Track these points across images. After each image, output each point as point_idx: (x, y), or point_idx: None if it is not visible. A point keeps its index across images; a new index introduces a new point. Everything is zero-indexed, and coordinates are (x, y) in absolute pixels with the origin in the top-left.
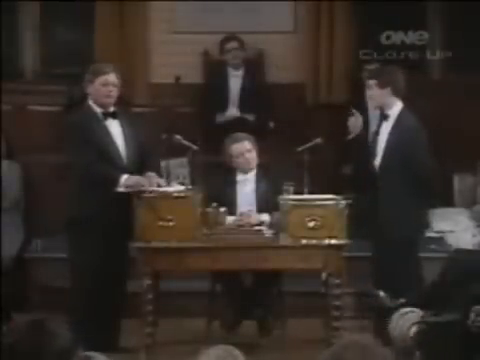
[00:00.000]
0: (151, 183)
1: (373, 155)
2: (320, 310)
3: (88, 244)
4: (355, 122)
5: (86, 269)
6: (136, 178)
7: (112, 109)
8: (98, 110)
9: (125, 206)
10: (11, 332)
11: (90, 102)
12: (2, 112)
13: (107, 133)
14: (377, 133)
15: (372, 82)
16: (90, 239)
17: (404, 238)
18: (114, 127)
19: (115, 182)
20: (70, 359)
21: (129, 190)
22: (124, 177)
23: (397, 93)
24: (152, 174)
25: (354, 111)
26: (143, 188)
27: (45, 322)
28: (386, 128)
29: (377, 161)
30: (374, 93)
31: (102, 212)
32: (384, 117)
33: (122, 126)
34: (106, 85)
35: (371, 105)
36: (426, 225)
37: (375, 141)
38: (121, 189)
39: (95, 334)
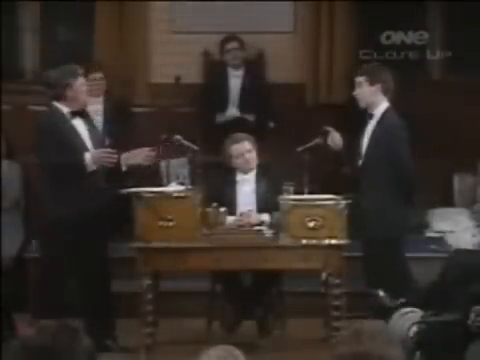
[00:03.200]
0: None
1: (359, 155)
2: (320, 310)
3: (62, 245)
4: (333, 139)
5: (59, 270)
6: (99, 150)
7: (79, 108)
8: (65, 110)
9: (103, 204)
10: (41, 333)
11: (55, 103)
12: (2, 112)
13: (75, 132)
14: (362, 134)
15: (361, 79)
16: (64, 240)
17: (386, 237)
18: (81, 126)
19: (81, 162)
20: (94, 358)
21: (100, 163)
22: (87, 155)
23: (385, 92)
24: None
25: (329, 129)
26: (111, 158)
27: (71, 323)
28: (370, 127)
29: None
30: (363, 90)
31: (76, 212)
32: (369, 116)
33: (89, 124)
34: (84, 86)
35: (360, 103)
36: (409, 224)
37: (361, 142)
38: (93, 167)
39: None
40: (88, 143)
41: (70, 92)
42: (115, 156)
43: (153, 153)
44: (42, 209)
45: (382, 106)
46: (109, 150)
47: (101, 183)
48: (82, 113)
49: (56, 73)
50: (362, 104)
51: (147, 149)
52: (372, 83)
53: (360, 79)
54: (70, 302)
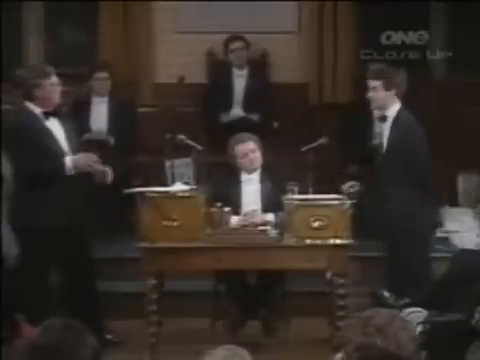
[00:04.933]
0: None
1: (379, 157)
2: (324, 310)
3: (41, 249)
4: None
5: (39, 274)
6: (80, 155)
7: (51, 109)
8: (38, 111)
9: (81, 206)
10: (47, 333)
11: (27, 103)
12: (6, 112)
13: (49, 133)
14: (381, 136)
15: (377, 83)
16: (42, 243)
17: (412, 236)
18: (55, 126)
19: (62, 168)
20: (99, 357)
21: (81, 169)
22: (68, 159)
23: (399, 94)
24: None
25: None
26: (92, 164)
27: (75, 323)
28: (386, 129)
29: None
30: (378, 94)
31: (53, 215)
32: (383, 119)
33: (63, 124)
34: (55, 85)
35: (373, 106)
36: (435, 223)
37: (381, 143)
38: (72, 171)
39: None
40: (64, 145)
41: (40, 92)
42: (96, 160)
43: (96, 160)
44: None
45: (395, 107)
46: (89, 155)
47: (85, 183)
48: (56, 113)
49: (25, 73)
50: (375, 106)
51: (92, 156)
52: (388, 88)
53: (376, 83)
54: (54, 304)
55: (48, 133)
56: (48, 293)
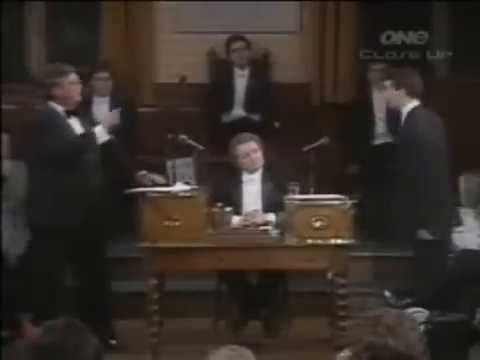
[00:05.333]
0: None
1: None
2: (326, 310)
3: (58, 248)
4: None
5: (56, 273)
6: (106, 115)
7: (72, 107)
8: (60, 109)
9: (99, 205)
10: (49, 333)
11: (50, 103)
12: (9, 112)
13: (72, 130)
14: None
15: (388, 83)
16: (62, 242)
17: (438, 237)
18: (76, 125)
19: (93, 137)
20: (101, 356)
21: (111, 124)
22: (97, 128)
23: (412, 94)
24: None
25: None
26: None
27: (78, 322)
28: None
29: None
30: (390, 94)
31: (75, 214)
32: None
33: (84, 124)
34: (74, 83)
35: (388, 105)
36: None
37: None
38: (105, 137)
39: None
40: None
41: (59, 91)
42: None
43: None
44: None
45: (409, 106)
46: (112, 113)
47: (101, 181)
48: (77, 113)
49: (44, 72)
50: (390, 105)
51: (114, 112)
52: (397, 87)
53: (387, 83)
54: (66, 304)
55: (71, 129)
56: (63, 293)
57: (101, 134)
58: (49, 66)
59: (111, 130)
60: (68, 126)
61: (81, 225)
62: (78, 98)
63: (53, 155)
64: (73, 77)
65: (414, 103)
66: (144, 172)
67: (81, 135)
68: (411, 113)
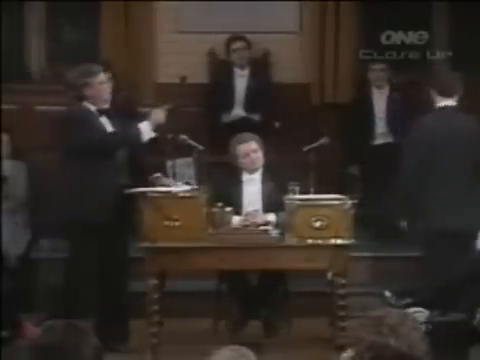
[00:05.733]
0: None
1: None
2: (326, 310)
3: (90, 245)
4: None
5: (88, 270)
6: (154, 112)
7: (105, 106)
8: (93, 108)
9: (124, 205)
10: (49, 333)
11: (84, 103)
12: (9, 112)
13: (104, 129)
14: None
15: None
16: (93, 240)
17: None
18: (107, 124)
19: (137, 132)
20: (101, 357)
21: (154, 123)
22: (142, 124)
23: (443, 93)
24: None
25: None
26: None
27: (78, 323)
28: None
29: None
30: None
31: (105, 212)
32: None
33: (114, 124)
34: (103, 83)
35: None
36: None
37: None
38: (150, 134)
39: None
40: None
41: (89, 91)
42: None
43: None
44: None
45: (440, 104)
46: (160, 110)
47: (128, 181)
48: (107, 112)
49: (73, 74)
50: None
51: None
52: (432, 86)
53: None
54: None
55: (103, 129)
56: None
57: (146, 130)
58: (78, 67)
59: (155, 128)
60: (101, 125)
61: (107, 223)
62: (108, 97)
63: (97, 148)
64: (102, 77)
65: (444, 102)
66: (158, 174)
67: (126, 130)
68: (436, 113)
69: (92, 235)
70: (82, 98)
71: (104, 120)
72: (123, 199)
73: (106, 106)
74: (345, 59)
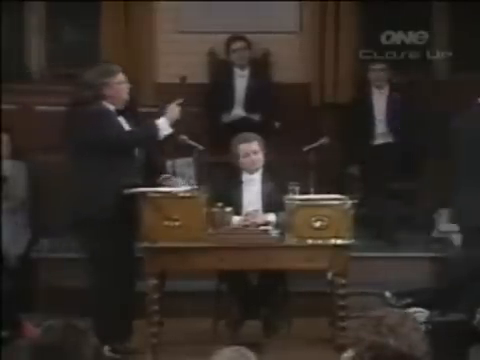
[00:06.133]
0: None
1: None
2: (326, 310)
3: (102, 243)
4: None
5: (102, 269)
6: (171, 108)
7: (122, 107)
8: (111, 107)
9: (133, 205)
10: (48, 333)
11: (103, 102)
12: (9, 112)
13: (122, 127)
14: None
15: None
16: (104, 238)
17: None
18: (124, 124)
19: (155, 128)
20: (100, 356)
21: (171, 119)
22: (160, 121)
23: None
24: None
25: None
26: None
27: (77, 323)
28: None
29: None
30: None
31: (116, 210)
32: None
33: (128, 123)
34: (122, 83)
35: None
36: None
37: None
38: (168, 130)
39: (108, 334)
40: None
41: (108, 91)
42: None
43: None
44: (76, 207)
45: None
46: (175, 106)
47: (140, 181)
48: (124, 113)
49: (92, 73)
50: None
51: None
52: None
53: None
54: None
55: (122, 126)
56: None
57: (164, 127)
58: (97, 67)
59: (173, 124)
60: (120, 123)
61: (119, 222)
62: (126, 97)
63: (115, 145)
64: (121, 77)
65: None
66: (168, 175)
67: (143, 126)
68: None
69: (106, 233)
70: (100, 97)
71: (120, 119)
72: (132, 199)
73: (123, 106)
74: (345, 59)
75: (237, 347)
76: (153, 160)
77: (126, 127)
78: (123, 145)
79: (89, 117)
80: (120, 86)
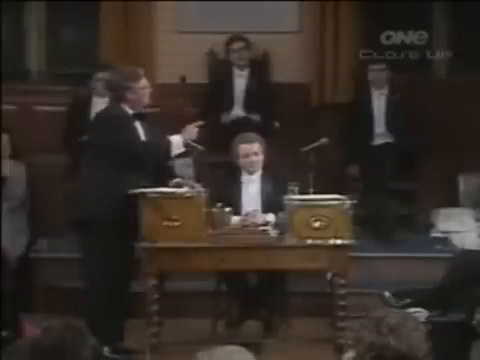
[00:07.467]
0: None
1: None
2: (326, 310)
3: (102, 244)
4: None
5: (101, 270)
6: (188, 127)
7: (140, 110)
8: (130, 111)
9: (133, 206)
10: (48, 333)
11: (121, 105)
12: (9, 112)
13: (138, 133)
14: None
15: None
16: (105, 239)
17: None
18: (140, 128)
19: (169, 146)
20: (99, 356)
21: (187, 138)
22: (175, 137)
23: None
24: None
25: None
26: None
27: (77, 323)
28: None
29: None
30: None
31: (117, 211)
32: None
33: (144, 127)
34: (145, 88)
35: None
36: None
37: None
38: (180, 149)
39: (104, 334)
40: None
41: (131, 95)
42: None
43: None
44: (78, 207)
45: None
46: (192, 127)
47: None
48: (141, 117)
49: (117, 76)
50: None
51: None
52: None
53: None
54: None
55: (137, 133)
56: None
57: (177, 145)
58: (122, 70)
59: (186, 143)
60: (135, 130)
61: (124, 223)
62: (147, 101)
63: (127, 152)
64: (144, 82)
65: None
66: (178, 179)
67: (157, 141)
68: None
69: (110, 234)
70: (122, 100)
71: (137, 125)
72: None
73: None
74: (345, 59)
75: (235, 347)
76: (163, 165)
77: (141, 133)
78: (135, 154)
79: (108, 120)
80: (143, 91)
